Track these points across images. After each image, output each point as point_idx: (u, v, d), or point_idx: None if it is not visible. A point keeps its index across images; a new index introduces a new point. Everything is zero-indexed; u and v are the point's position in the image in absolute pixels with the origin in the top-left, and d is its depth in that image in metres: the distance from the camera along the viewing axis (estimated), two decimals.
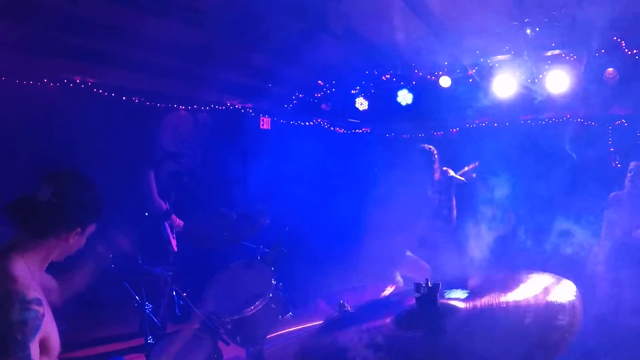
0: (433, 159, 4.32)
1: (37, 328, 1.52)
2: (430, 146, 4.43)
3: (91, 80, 5.19)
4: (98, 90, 5.26)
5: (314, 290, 3.31)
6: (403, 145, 8.28)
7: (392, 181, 3.98)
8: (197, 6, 3.90)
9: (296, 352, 1.54)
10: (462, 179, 4.35)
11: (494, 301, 1.37)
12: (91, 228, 1.86)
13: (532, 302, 1.30)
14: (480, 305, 1.38)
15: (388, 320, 1.42)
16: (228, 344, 3.63)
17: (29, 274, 1.63)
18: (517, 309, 1.28)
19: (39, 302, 1.56)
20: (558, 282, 1.38)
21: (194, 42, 4.60)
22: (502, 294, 1.40)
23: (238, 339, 3.49)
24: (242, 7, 4.02)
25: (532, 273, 1.52)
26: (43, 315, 1.55)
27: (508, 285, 1.48)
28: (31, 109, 4.65)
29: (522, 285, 1.45)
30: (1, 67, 4.51)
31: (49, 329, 1.61)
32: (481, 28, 4.72)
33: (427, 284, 1.42)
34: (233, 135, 6.89)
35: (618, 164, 6.45)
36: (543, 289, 1.37)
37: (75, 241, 1.80)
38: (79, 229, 1.77)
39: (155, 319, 4.26)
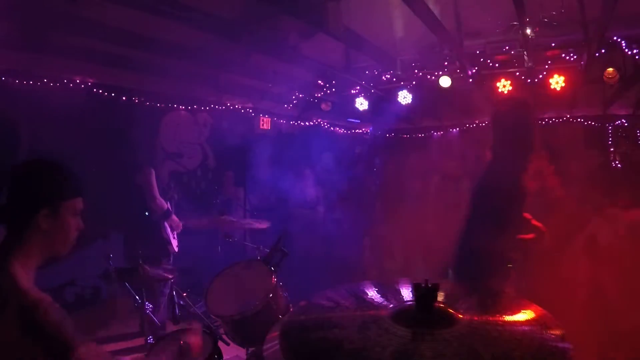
0: None
1: (65, 316, 1.52)
2: None
3: (91, 80, 5.19)
4: (98, 90, 5.26)
5: (315, 289, 3.29)
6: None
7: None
8: (197, 6, 3.90)
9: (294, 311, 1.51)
10: None
11: (490, 322, 1.34)
12: (69, 206, 1.67)
13: (526, 336, 1.27)
14: (478, 321, 1.36)
15: (384, 312, 1.42)
16: (228, 344, 3.63)
17: (28, 275, 1.59)
18: (511, 339, 1.25)
19: (48, 298, 1.54)
20: (551, 321, 1.35)
21: (194, 43, 4.60)
22: (499, 317, 1.38)
23: (238, 339, 3.49)
24: (242, 7, 4.03)
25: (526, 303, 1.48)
26: (57, 305, 1.54)
27: (503, 308, 1.46)
28: (31, 109, 4.65)
29: (518, 313, 1.42)
30: (1, 67, 4.50)
31: None
32: (481, 28, 4.72)
33: (426, 284, 1.41)
34: (233, 135, 6.89)
35: (618, 164, 6.46)
36: (538, 325, 1.32)
37: (52, 226, 1.63)
38: (45, 211, 1.61)
39: (155, 319, 4.27)
